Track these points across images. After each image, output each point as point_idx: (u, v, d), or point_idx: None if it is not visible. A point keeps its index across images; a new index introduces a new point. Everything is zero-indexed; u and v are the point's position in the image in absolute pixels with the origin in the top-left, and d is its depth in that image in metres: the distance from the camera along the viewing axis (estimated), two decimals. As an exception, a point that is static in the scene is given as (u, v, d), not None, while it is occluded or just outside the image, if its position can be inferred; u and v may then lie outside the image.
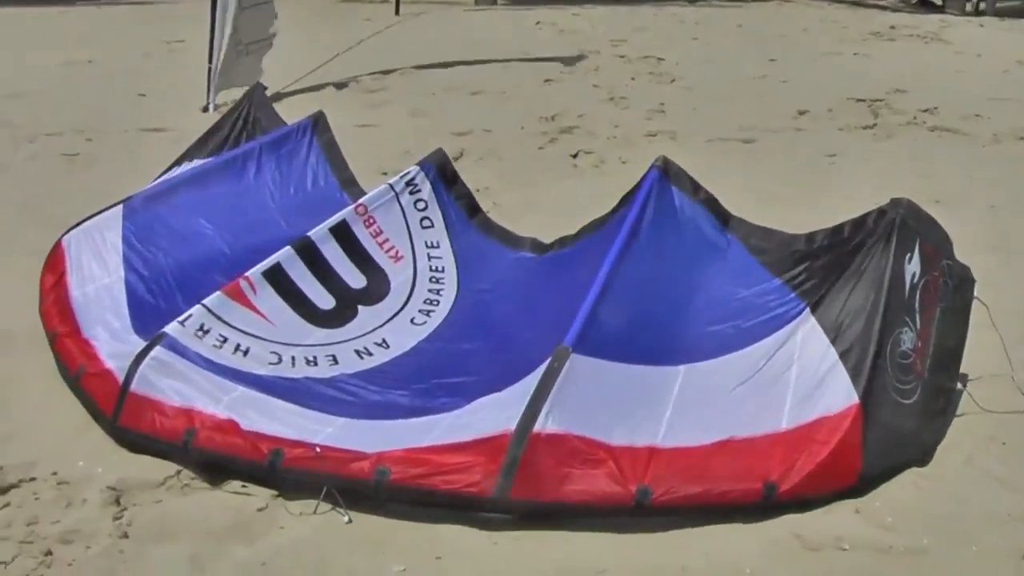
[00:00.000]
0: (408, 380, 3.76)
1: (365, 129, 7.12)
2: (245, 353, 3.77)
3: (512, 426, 3.20)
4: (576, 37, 10.95)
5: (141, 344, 3.72)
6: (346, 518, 3.19)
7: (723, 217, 4.06)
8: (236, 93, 7.70)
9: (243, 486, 3.33)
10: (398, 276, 4.34)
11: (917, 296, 3.72)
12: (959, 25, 11.93)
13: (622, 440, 3.27)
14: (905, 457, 3.47)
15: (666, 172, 4.05)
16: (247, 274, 3.98)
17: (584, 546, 3.09)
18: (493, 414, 3.33)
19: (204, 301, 3.83)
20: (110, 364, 3.72)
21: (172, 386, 3.56)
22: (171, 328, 3.70)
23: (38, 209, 5.62)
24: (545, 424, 3.21)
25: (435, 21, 11.80)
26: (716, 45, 10.80)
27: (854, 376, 3.50)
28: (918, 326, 3.70)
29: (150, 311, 4.09)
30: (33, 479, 3.35)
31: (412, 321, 4.17)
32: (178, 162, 5.27)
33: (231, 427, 3.41)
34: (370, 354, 3.94)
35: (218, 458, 3.38)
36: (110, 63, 9.30)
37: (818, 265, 3.81)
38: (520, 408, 3.25)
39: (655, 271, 3.85)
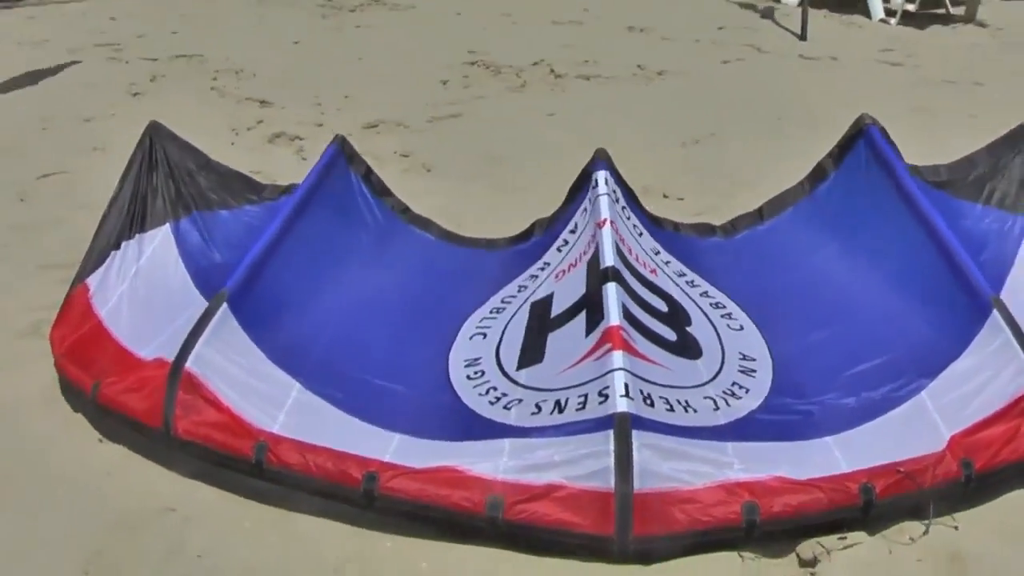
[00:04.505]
0: (819, 385, 3.62)
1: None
2: (695, 410, 3.40)
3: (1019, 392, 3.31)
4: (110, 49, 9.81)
5: (492, 444, 3.28)
6: (923, 529, 3.19)
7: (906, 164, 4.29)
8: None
9: (841, 537, 3.14)
10: (669, 288, 4.11)
11: None
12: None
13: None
14: None
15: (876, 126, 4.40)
16: (614, 322, 3.52)
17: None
18: (960, 391, 3.41)
19: (618, 365, 3.33)
20: (549, 478, 3.13)
21: (678, 469, 3.12)
22: (626, 405, 3.18)
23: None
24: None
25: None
26: (259, 47, 10.11)
27: None
28: None
29: (398, 408, 3.54)
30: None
31: (730, 327, 3.98)
32: (123, 237, 4.24)
33: (788, 485, 3.13)
34: (753, 371, 3.72)
35: (802, 520, 3.11)
36: None
37: (1003, 181, 4.13)
38: (1016, 363, 3.37)
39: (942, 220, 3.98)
